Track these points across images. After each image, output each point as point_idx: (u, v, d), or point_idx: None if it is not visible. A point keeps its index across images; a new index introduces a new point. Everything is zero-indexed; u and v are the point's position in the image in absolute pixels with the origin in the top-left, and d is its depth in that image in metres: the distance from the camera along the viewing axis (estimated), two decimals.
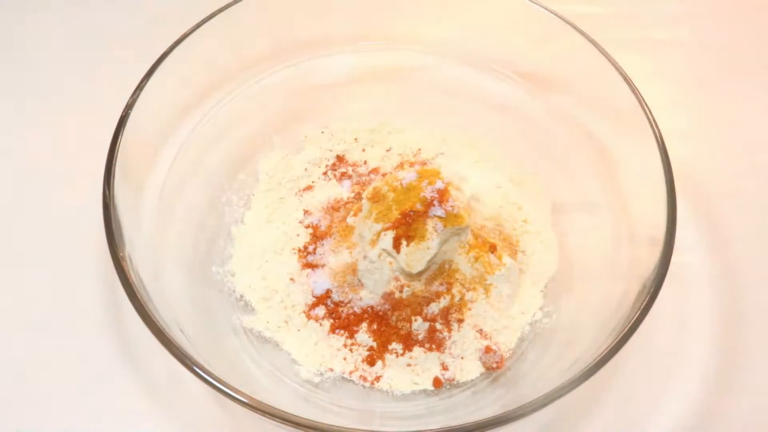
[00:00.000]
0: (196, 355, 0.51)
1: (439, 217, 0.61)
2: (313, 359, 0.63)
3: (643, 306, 0.53)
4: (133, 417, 0.62)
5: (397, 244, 0.61)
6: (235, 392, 0.48)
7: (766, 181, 0.79)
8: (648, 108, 0.62)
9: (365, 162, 0.76)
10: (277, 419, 0.48)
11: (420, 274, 0.63)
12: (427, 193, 0.62)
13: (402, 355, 0.63)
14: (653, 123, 0.61)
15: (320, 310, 0.65)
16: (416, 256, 0.61)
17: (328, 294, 0.65)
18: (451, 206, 0.62)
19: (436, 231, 0.61)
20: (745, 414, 0.64)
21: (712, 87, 0.88)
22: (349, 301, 0.64)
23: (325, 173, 0.75)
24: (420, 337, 0.63)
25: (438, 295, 0.63)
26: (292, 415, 0.48)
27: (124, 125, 0.59)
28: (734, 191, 0.78)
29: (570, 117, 0.71)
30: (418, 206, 0.61)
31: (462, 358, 0.63)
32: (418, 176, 0.63)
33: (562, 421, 0.63)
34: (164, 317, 0.53)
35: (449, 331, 0.63)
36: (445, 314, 0.63)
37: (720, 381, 0.65)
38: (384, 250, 0.62)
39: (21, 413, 0.62)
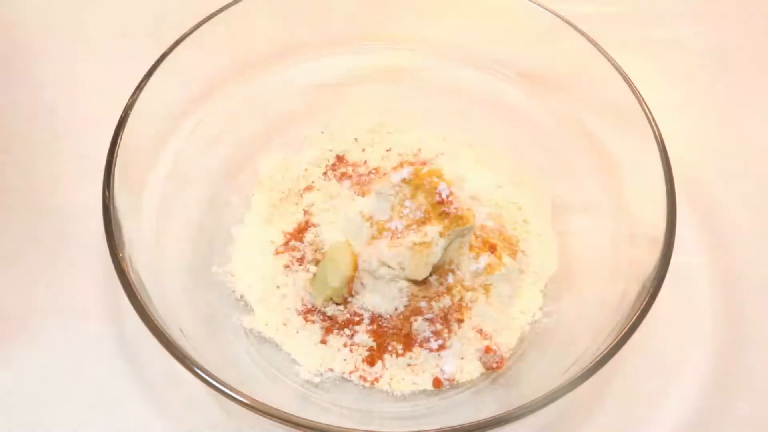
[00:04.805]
0: (196, 355, 0.51)
1: (444, 220, 0.62)
2: (313, 359, 0.63)
3: (643, 306, 0.53)
4: (133, 417, 0.62)
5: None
6: (235, 392, 0.48)
7: (766, 181, 0.79)
8: (648, 108, 0.62)
9: (365, 162, 0.76)
10: (276, 419, 0.48)
11: (424, 279, 0.63)
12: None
13: (402, 355, 0.63)
14: (653, 123, 0.61)
15: (316, 316, 0.65)
16: (420, 264, 0.61)
17: (315, 306, 0.65)
18: (456, 207, 0.62)
19: (440, 236, 0.61)
20: (745, 414, 0.64)
21: (712, 87, 0.88)
22: (348, 303, 0.65)
23: (325, 173, 0.75)
24: (420, 337, 0.63)
25: (438, 295, 0.63)
26: (291, 415, 0.48)
27: (124, 126, 0.59)
28: (734, 191, 0.78)
29: (570, 117, 0.71)
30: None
31: (462, 358, 0.63)
32: (414, 173, 0.64)
33: (562, 421, 0.63)
34: (164, 317, 0.53)
35: (449, 331, 0.63)
36: (445, 314, 0.63)
37: (720, 381, 0.65)
38: (384, 263, 0.62)
39: (20, 413, 0.62)
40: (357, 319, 0.64)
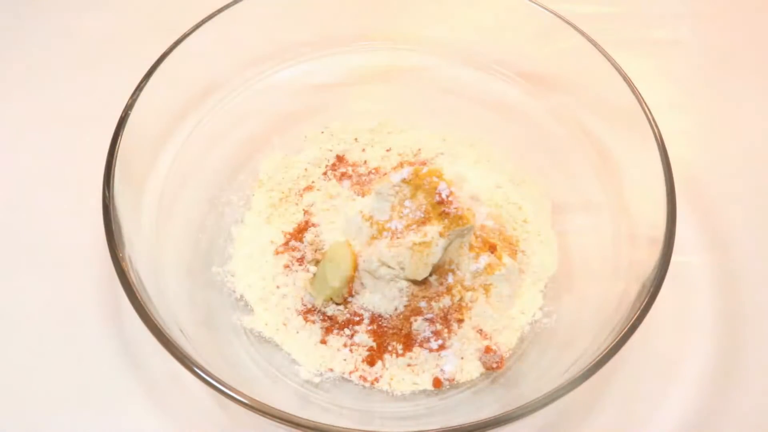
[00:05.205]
0: (196, 355, 0.51)
1: (444, 220, 0.62)
2: (313, 359, 0.63)
3: (643, 306, 0.53)
4: (133, 416, 0.62)
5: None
6: (235, 392, 0.48)
7: (766, 181, 0.79)
8: (648, 108, 0.62)
9: (365, 162, 0.76)
10: (276, 419, 0.48)
11: (424, 279, 0.63)
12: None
13: (402, 355, 0.63)
14: (653, 123, 0.61)
15: (316, 316, 0.65)
16: (420, 264, 0.61)
17: (315, 306, 0.65)
18: (456, 207, 0.62)
19: (440, 236, 0.61)
20: (745, 414, 0.64)
21: (712, 87, 0.88)
22: (348, 303, 0.65)
23: (325, 173, 0.75)
24: (420, 337, 0.63)
25: (438, 295, 0.64)
26: (291, 415, 0.48)
27: (124, 126, 0.59)
28: (734, 191, 0.78)
29: (570, 117, 0.71)
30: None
31: (462, 358, 0.63)
32: (414, 173, 0.64)
33: (562, 421, 0.63)
34: (164, 317, 0.53)
35: (449, 331, 0.63)
36: (445, 314, 0.63)
37: (720, 381, 0.65)
38: (384, 263, 0.62)
39: (21, 413, 0.62)
40: (357, 319, 0.64)
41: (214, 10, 0.67)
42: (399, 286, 0.63)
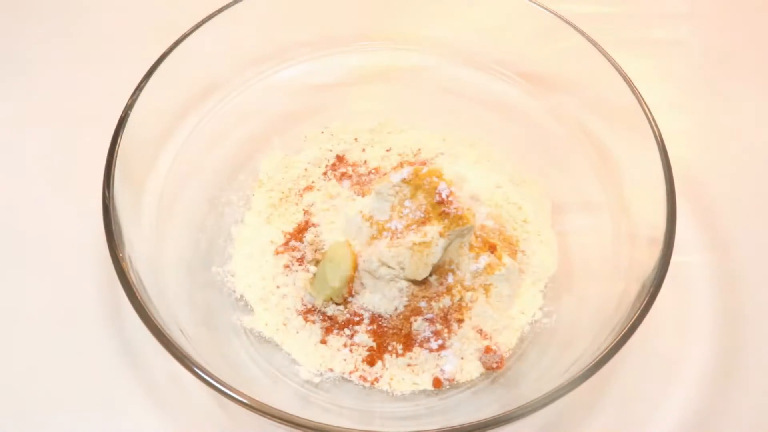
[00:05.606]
0: (196, 355, 0.51)
1: (444, 220, 0.62)
2: (313, 359, 0.63)
3: (643, 306, 0.53)
4: (133, 417, 0.62)
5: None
6: (235, 392, 0.48)
7: (766, 181, 0.79)
8: (648, 108, 0.62)
9: (365, 162, 0.76)
10: (276, 419, 0.48)
11: (424, 279, 0.63)
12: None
13: (402, 355, 0.63)
14: (653, 123, 0.61)
15: (316, 316, 0.65)
16: (420, 264, 0.61)
17: (315, 306, 0.65)
18: (456, 207, 0.62)
19: (440, 236, 0.61)
20: (745, 414, 0.64)
21: (712, 87, 0.88)
22: (348, 303, 0.65)
23: (325, 173, 0.75)
24: (420, 337, 0.63)
25: (438, 295, 0.64)
26: (292, 415, 0.48)
27: (124, 126, 0.59)
28: (734, 191, 0.78)
29: (570, 117, 0.71)
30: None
31: (462, 358, 0.63)
32: (414, 173, 0.64)
33: (562, 421, 0.63)
34: (164, 317, 0.53)
35: (449, 331, 0.63)
36: (445, 314, 0.64)
37: (720, 381, 0.65)
38: (384, 263, 0.62)
39: (21, 413, 0.62)
40: (357, 319, 0.64)
41: (214, 10, 0.67)
42: (399, 286, 0.63)
